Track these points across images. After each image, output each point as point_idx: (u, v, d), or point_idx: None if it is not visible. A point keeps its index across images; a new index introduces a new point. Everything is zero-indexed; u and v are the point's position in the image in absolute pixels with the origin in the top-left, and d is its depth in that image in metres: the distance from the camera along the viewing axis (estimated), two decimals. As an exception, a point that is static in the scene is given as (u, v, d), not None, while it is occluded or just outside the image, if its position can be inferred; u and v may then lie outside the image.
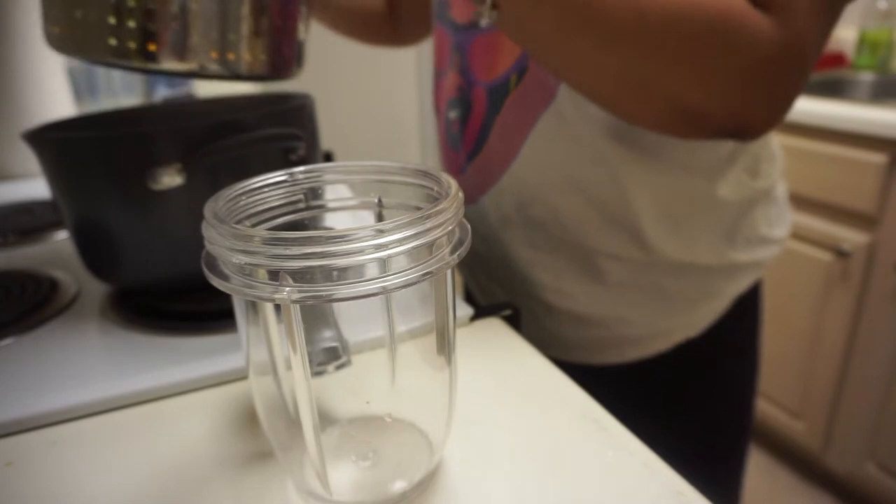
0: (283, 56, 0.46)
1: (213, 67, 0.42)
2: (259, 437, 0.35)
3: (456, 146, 0.60)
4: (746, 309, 0.60)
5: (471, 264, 0.64)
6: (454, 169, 0.61)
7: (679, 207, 0.52)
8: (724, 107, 0.40)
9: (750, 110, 0.41)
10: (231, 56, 0.43)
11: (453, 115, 0.59)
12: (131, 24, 0.40)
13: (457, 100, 0.58)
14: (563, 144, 0.50)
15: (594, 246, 0.53)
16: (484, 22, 0.40)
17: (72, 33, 0.41)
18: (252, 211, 0.30)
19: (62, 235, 0.69)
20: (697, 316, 0.57)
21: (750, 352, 0.63)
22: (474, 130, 0.56)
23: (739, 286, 0.58)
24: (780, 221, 0.60)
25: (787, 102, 0.41)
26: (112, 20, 0.40)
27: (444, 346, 0.30)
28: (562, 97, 0.48)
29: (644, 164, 0.50)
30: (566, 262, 0.55)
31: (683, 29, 0.37)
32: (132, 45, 0.40)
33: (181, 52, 0.41)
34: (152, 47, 0.40)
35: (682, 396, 0.60)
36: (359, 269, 0.24)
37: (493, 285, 0.62)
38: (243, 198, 0.30)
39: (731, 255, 0.55)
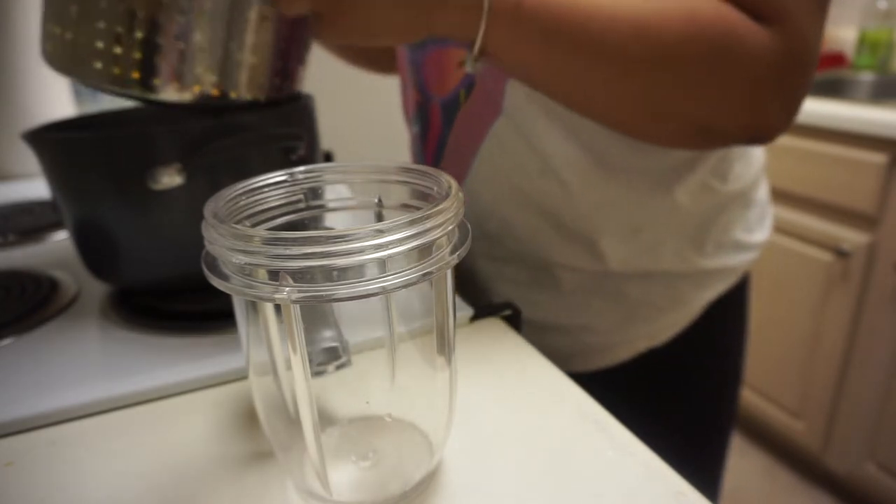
0: (284, 81, 0.46)
1: (213, 98, 0.42)
2: (259, 437, 0.35)
3: (420, 161, 0.60)
4: (729, 311, 0.59)
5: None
6: None
7: (634, 215, 0.51)
8: (736, 119, 0.41)
9: (761, 118, 0.42)
10: (232, 87, 0.43)
11: (416, 129, 0.60)
12: (127, 51, 0.39)
13: (417, 115, 0.59)
14: (512, 157, 0.50)
15: (550, 257, 0.53)
16: (469, 69, 0.41)
17: (63, 53, 0.41)
18: (252, 211, 0.30)
19: (62, 235, 0.69)
20: (664, 324, 0.56)
21: (734, 353, 0.62)
22: (433, 146, 0.57)
23: (710, 293, 0.56)
24: (760, 226, 0.58)
25: (796, 104, 0.42)
26: (104, 46, 0.39)
27: (444, 346, 0.30)
28: (508, 110, 0.49)
29: (594, 174, 0.49)
30: (525, 273, 0.55)
31: (688, 52, 0.38)
32: (126, 72, 0.40)
33: (181, 83, 0.41)
34: (156, 80, 0.40)
35: (651, 403, 0.59)
36: (359, 269, 0.24)
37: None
38: (243, 198, 0.30)
39: (700, 261, 0.54)
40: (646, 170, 0.50)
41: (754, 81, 0.39)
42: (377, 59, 0.76)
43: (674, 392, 0.60)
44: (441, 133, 0.55)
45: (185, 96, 0.41)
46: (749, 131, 0.42)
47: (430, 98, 0.55)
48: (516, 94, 0.48)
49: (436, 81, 0.54)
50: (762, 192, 0.59)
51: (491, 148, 0.51)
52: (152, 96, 0.41)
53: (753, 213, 0.57)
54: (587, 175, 0.49)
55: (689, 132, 0.42)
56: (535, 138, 0.49)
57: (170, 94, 0.41)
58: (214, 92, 0.42)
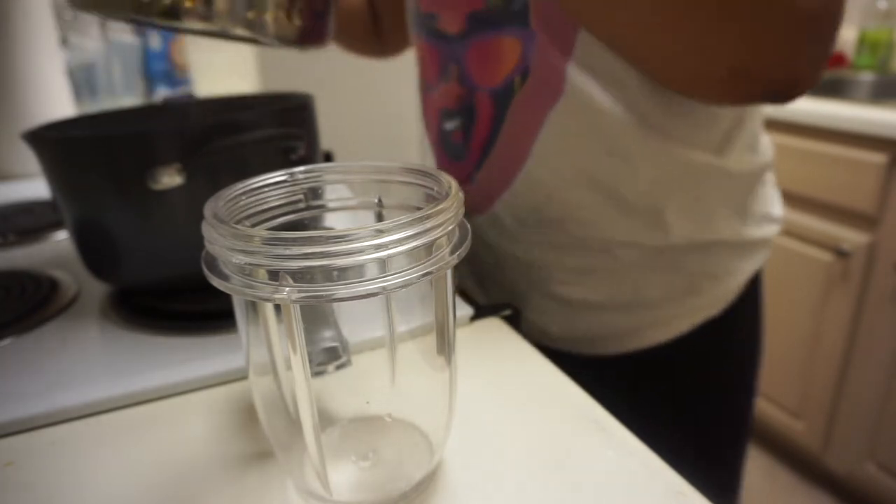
0: (315, 25, 0.45)
1: (239, 29, 0.41)
2: (259, 437, 0.35)
3: (458, 156, 0.59)
4: (751, 292, 0.61)
5: (480, 274, 0.64)
6: (457, 180, 0.60)
7: (695, 185, 0.52)
8: (773, 65, 0.42)
9: (793, 68, 0.43)
10: (262, 18, 0.41)
11: (452, 125, 0.59)
12: None
13: (456, 110, 0.58)
14: (575, 139, 0.50)
15: (613, 237, 0.54)
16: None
17: None
18: (252, 211, 0.30)
19: (62, 235, 0.69)
20: (718, 293, 0.58)
21: (755, 338, 0.64)
22: (481, 138, 0.56)
23: (754, 264, 0.59)
24: (776, 200, 0.61)
25: (824, 62, 0.44)
26: None
27: (444, 346, 0.30)
28: (570, 92, 0.49)
29: (656, 146, 0.50)
30: (584, 256, 0.55)
31: None
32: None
33: (209, 12, 0.39)
34: (188, 3, 0.39)
35: (690, 385, 0.60)
36: (359, 269, 0.24)
37: (504, 294, 0.62)
38: (243, 198, 0.30)
39: (745, 231, 0.56)
40: (701, 138, 0.51)
41: (794, 26, 0.40)
42: (357, 35, 0.76)
43: (703, 382, 0.61)
44: (492, 123, 0.55)
45: (241, 29, 0.41)
46: (780, 83, 0.43)
47: (476, 89, 0.55)
48: (579, 73, 0.48)
49: (483, 72, 0.54)
50: (770, 172, 0.61)
51: (553, 131, 0.51)
52: (193, 26, 0.40)
53: (770, 188, 0.60)
54: (649, 148, 0.50)
55: (734, 79, 0.43)
56: (599, 116, 0.49)
57: (219, 24, 0.40)
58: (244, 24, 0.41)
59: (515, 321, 0.47)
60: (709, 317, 0.58)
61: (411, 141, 2.91)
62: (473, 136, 0.57)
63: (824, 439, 1.46)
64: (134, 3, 0.39)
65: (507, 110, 0.53)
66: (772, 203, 0.60)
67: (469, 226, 0.29)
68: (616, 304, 0.57)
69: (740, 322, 0.61)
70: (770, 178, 0.60)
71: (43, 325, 0.48)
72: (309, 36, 0.44)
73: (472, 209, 0.59)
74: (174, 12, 0.39)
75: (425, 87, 0.62)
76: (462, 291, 0.59)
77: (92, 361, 0.43)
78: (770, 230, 0.59)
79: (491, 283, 0.63)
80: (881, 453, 1.36)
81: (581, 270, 0.56)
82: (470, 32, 0.52)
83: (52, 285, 0.54)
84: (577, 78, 0.48)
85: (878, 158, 1.24)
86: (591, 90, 0.48)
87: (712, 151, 0.52)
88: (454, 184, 0.28)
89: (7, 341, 0.46)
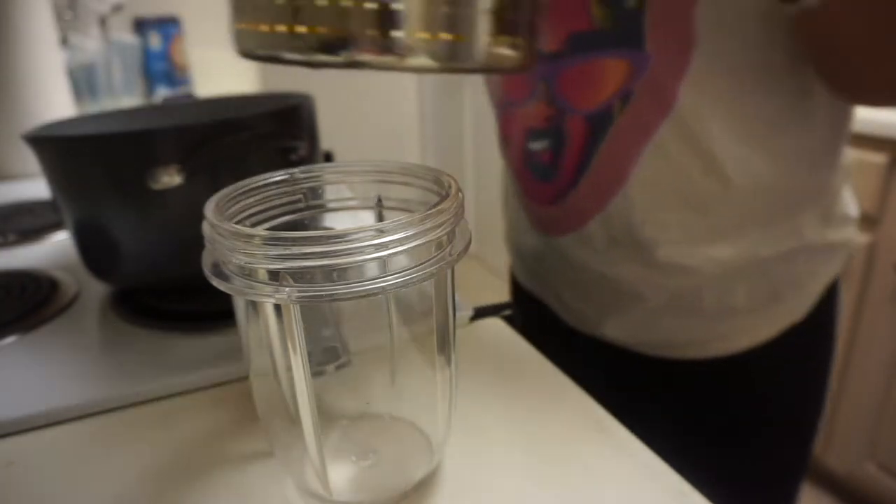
0: (532, 45, 0.36)
1: (469, 63, 0.33)
2: (259, 437, 0.35)
3: (546, 176, 0.58)
4: (831, 296, 0.60)
5: (559, 288, 0.64)
6: (543, 199, 0.60)
7: (789, 197, 0.52)
8: None
9: None
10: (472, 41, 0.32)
11: (539, 145, 0.58)
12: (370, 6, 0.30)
13: (544, 130, 0.57)
14: (677, 160, 0.50)
15: (704, 253, 0.53)
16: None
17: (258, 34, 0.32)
18: (252, 211, 0.30)
19: (62, 235, 0.69)
20: (802, 298, 0.58)
21: (832, 341, 0.63)
22: (574, 161, 0.55)
23: (836, 266, 0.59)
24: (852, 200, 0.61)
25: None
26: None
27: (444, 346, 0.30)
28: (678, 114, 0.48)
29: (758, 165, 0.50)
30: (674, 273, 0.55)
31: None
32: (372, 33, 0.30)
33: (397, 44, 0.31)
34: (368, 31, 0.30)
35: (767, 388, 0.60)
36: (359, 269, 0.24)
37: (588, 306, 0.62)
38: (243, 198, 0.30)
39: (828, 234, 0.56)
40: (807, 149, 0.51)
41: None
42: None
43: (777, 394, 0.61)
44: (586, 147, 0.54)
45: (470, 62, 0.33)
46: None
47: (569, 111, 0.54)
48: (691, 92, 0.48)
49: (580, 94, 0.53)
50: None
51: (653, 154, 0.50)
52: (416, 63, 0.31)
53: (850, 187, 0.60)
54: (751, 167, 0.50)
55: None
56: (706, 139, 0.49)
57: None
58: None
59: (515, 321, 0.47)
60: (792, 322, 0.57)
61: (411, 141, 2.91)
62: (564, 158, 0.56)
63: (824, 439, 1.46)
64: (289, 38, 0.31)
65: (605, 135, 0.52)
66: (850, 203, 0.59)
67: (469, 226, 0.29)
68: (701, 313, 0.56)
69: (820, 326, 0.60)
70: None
71: (43, 325, 0.48)
72: (523, 63, 0.36)
73: (559, 228, 0.59)
74: (341, 45, 0.31)
75: (507, 103, 0.61)
76: (541, 304, 0.59)
77: (92, 361, 0.43)
78: (850, 231, 0.59)
79: (572, 298, 0.63)
80: (881, 453, 1.36)
81: (670, 286, 0.56)
82: (569, 53, 0.51)
83: (52, 285, 0.54)
84: (689, 98, 0.48)
85: (878, 158, 1.24)
86: (701, 109, 0.48)
87: (807, 164, 0.52)
88: (454, 183, 0.28)
89: (7, 341, 0.46)
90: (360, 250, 0.23)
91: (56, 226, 0.71)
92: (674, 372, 0.59)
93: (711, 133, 0.49)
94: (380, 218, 0.33)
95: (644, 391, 0.61)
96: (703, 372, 0.59)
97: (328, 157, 0.72)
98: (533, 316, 0.64)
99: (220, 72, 1.85)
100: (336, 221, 0.34)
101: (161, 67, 1.70)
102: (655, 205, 0.53)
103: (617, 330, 0.60)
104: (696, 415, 0.60)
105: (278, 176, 0.31)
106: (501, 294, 0.72)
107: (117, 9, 1.50)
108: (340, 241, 0.23)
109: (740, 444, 0.61)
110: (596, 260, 0.58)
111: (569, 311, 0.64)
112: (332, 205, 0.34)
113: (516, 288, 0.75)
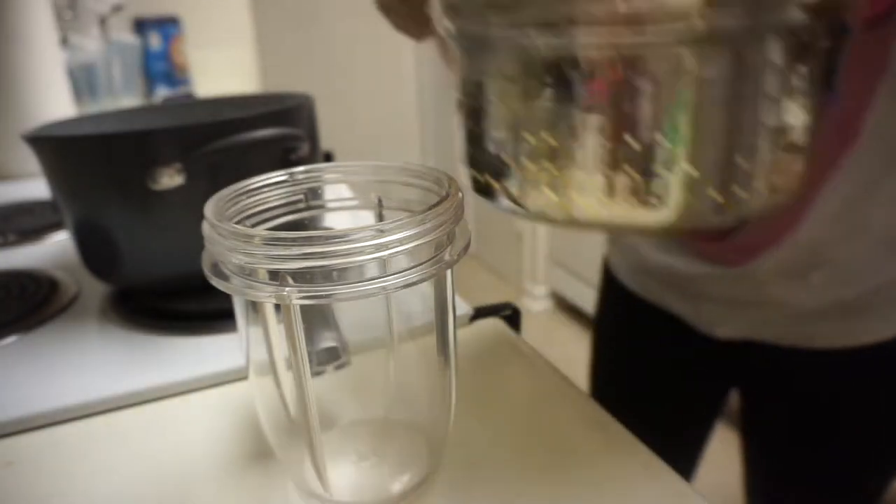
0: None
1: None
2: (259, 437, 0.35)
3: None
4: None
5: (699, 300, 0.62)
6: (711, 237, 0.55)
7: None
8: None
9: None
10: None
11: None
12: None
13: None
14: (855, 189, 0.48)
15: (880, 279, 0.53)
16: None
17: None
18: (252, 211, 0.30)
19: (62, 235, 0.69)
20: None
21: None
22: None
23: None
24: None
25: None
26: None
27: (444, 346, 0.30)
28: (867, 143, 0.46)
29: None
30: (846, 302, 0.54)
31: None
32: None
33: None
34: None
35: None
36: (359, 269, 0.24)
37: (734, 322, 0.61)
38: (243, 198, 0.30)
39: None
40: None
41: None
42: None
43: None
44: None
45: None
46: None
47: None
48: (880, 118, 0.44)
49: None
50: None
51: (836, 190, 0.48)
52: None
53: None
54: None
55: None
56: (889, 162, 0.47)
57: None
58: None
59: (515, 321, 0.47)
60: None
61: (411, 141, 2.91)
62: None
63: None
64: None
65: None
66: None
67: (469, 226, 0.28)
68: (849, 313, 0.55)
69: None
70: None
71: (43, 325, 0.48)
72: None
73: (723, 263, 0.56)
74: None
75: None
76: (675, 318, 0.59)
77: (92, 361, 0.43)
78: None
79: (713, 313, 0.62)
80: None
81: (834, 310, 0.55)
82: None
83: (52, 285, 0.54)
84: (877, 127, 0.45)
85: (878, 158, 1.24)
86: (891, 133, 0.45)
87: None
88: (454, 184, 0.28)
89: (7, 341, 0.46)
90: (360, 250, 0.23)
91: (56, 226, 0.71)
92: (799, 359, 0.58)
93: (892, 158, 0.47)
94: (380, 218, 0.33)
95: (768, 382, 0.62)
96: (843, 361, 0.57)
97: (328, 157, 0.72)
98: (642, 317, 0.65)
99: (220, 72, 1.85)
100: (336, 221, 0.34)
101: (161, 67, 1.70)
102: (832, 240, 0.51)
103: (759, 331, 0.59)
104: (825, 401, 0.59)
105: (278, 176, 0.31)
106: (501, 294, 0.72)
107: (117, 9, 1.50)
108: (340, 241, 0.23)
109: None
110: (751, 290, 0.56)
111: (699, 316, 0.63)
112: (332, 205, 0.34)
113: (621, 290, 0.70)
